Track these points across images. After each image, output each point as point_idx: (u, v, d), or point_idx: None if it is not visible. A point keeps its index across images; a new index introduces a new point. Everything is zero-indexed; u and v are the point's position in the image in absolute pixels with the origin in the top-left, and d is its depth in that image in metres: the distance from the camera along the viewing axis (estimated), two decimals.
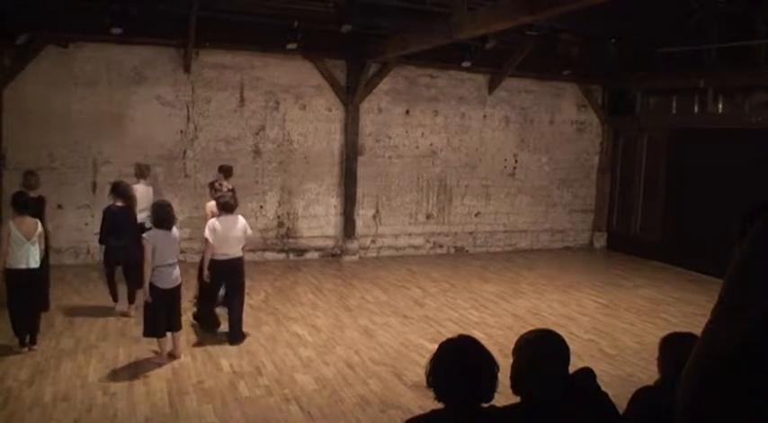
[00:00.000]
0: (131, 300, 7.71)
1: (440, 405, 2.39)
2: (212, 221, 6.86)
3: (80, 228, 10.10)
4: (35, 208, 6.78)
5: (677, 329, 3.27)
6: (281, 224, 11.37)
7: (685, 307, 9.10)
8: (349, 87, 11.36)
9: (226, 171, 9.12)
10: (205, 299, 7.27)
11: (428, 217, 12.43)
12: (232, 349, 6.75)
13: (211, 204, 7.80)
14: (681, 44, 10.91)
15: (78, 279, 9.02)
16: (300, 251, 11.52)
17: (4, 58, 9.40)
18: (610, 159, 13.66)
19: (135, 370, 6.08)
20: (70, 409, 5.20)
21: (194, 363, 6.33)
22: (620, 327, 8.14)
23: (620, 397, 2.70)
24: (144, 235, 6.32)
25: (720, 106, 11.29)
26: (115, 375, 5.93)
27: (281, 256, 11.35)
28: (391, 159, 12.01)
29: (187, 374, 6.03)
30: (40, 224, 6.40)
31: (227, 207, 6.93)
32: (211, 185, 8.30)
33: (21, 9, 8.80)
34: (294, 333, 7.40)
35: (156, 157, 10.43)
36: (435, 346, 2.50)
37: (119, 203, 7.65)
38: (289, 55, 10.77)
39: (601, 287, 10.23)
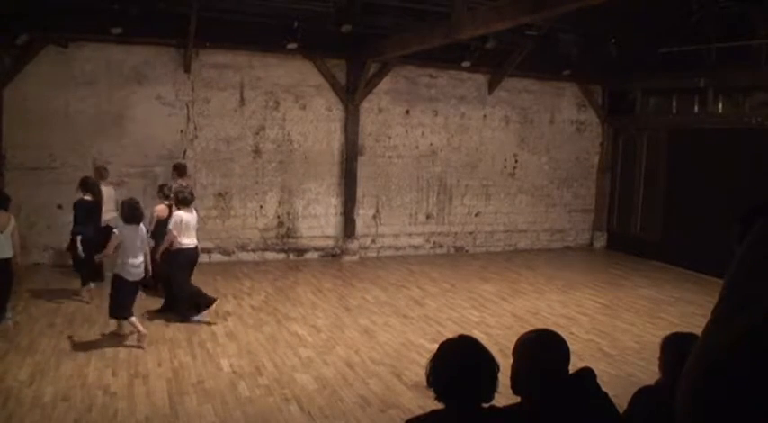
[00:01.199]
0: (85, 282, 8.27)
1: (440, 405, 2.39)
2: (178, 213, 7.47)
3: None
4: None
5: (677, 329, 3.27)
6: (281, 224, 11.37)
7: (685, 307, 9.10)
8: (349, 87, 11.35)
9: (180, 169, 9.33)
10: (183, 284, 7.58)
11: (428, 217, 12.43)
12: (232, 349, 6.75)
13: (161, 208, 8.21)
14: (681, 44, 10.91)
15: (78, 279, 9.00)
16: (300, 251, 11.52)
17: (4, 58, 9.41)
18: (610, 159, 13.66)
19: (135, 370, 6.08)
20: (70, 409, 5.20)
21: (194, 363, 6.33)
22: (620, 327, 8.14)
23: (620, 397, 2.70)
24: (114, 229, 6.81)
25: (720, 106, 11.29)
26: (115, 375, 5.93)
27: (281, 255, 11.35)
28: (391, 159, 12.01)
29: (187, 374, 6.03)
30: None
31: (185, 202, 7.56)
32: (161, 189, 8.60)
33: (21, 9, 8.80)
34: (294, 333, 7.41)
35: (156, 157, 10.44)
36: (435, 346, 2.50)
37: (88, 197, 8.08)
38: (289, 55, 10.77)
39: (601, 287, 10.23)
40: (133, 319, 6.76)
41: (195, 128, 10.66)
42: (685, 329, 3.10)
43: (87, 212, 8.06)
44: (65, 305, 7.97)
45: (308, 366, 6.37)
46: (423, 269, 10.99)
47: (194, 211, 7.75)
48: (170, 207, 8.03)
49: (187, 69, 10.38)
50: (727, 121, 10.98)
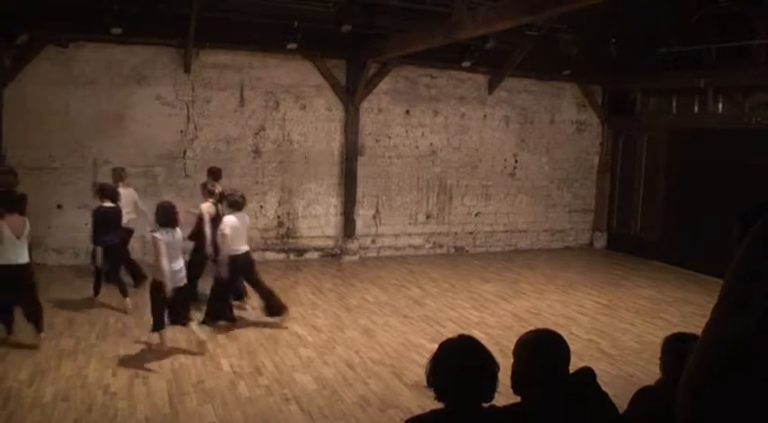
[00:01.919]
0: (126, 293, 7.92)
1: (440, 405, 2.39)
2: (229, 218, 7.17)
3: (80, 228, 10.06)
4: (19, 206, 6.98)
5: (677, 329, 3.27)
6: (280, 224, 11.37)
7: (685, 307, 9.10)
8: (349, 87, 11.35)
9: (215, 173, 9.16)
10: (223, 294, 7.41)
11: (428, 217, 12.43)
12: (232, 349, 6.75)
13: (207, 205, 7.94)
14: (681, 44, 10.91)
15: (78, 279, 9.00)
16: (300, 251, 11.52)
17: (4, 58, 9.40)
18: (610, 159, 13.66)
19: (135, 370, 6.08)
20: (70, 409, 5.20)
21: (194, 363, 6.33)
22: (620, 327, 8.14)
23: (620, 397, 2.70)
24: (155, 234, 6.33)
25: (720, 106, 11.29)
26: (115, 375, 5.92)
27: (281, 256, 11.34)
28: (391, 159, 12.01)
29: (187, 374, 6.03)
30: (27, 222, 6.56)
31: (237, 205, 7.30)
32: (204, 186, 8.39)
33: (21, 9, 8.80)
34: (294, 333, 7.40)
35: (156, 157, 10.44)
36: (435, 346, 2.50)
37: (108, 204, 7.76)
38: (289, 55, 10.77)
39: (601, 287, 10.22)
40: (192, 324, 6.64)
41: (195, 128, 10.66)
42: (685, 329, 3.10)
43: (108, 220, 7.74)
44: (65, 305, 7.96)
45: (308, 366, 6.37)
46: (423, 269, 10.98)
47: (245, 216, 7.51)
48: (216, 205, 7.89)
49: (187, 69, 10.38)
50: (727, 121, 10.98)
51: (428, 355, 2.49)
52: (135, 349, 6.61)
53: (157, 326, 6.45)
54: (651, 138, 12.73)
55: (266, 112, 11.07)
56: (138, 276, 8.61)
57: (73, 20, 9.23)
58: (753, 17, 9.97)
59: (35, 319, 6.57)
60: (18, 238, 6.30)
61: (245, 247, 7.38)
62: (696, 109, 11.73)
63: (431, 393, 2.40)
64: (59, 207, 9.83)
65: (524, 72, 12.32)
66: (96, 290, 8.02)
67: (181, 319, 6.54)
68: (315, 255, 11.61)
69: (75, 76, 9.86)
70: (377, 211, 12.01)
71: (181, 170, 10.62)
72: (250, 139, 11.00)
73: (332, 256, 11.65)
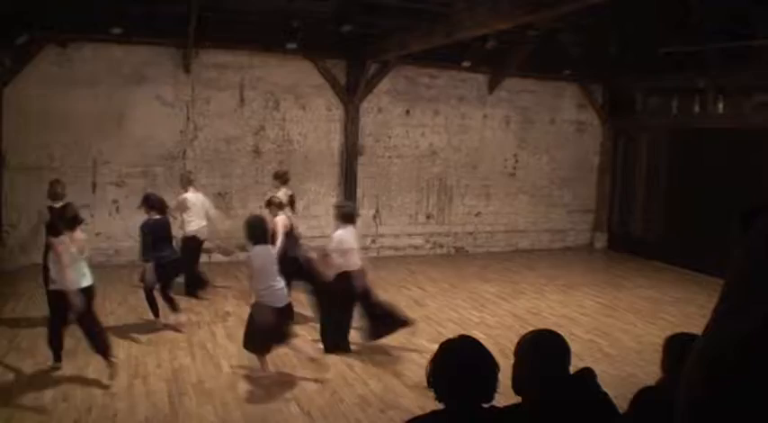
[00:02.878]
0: (177, 308, 7.40)
1: (440, 405, 2.39)
2: (340, 233, 6.65)
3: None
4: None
5: (678, 330, 3.27)
6: None
7: (685, 307, 9.09)
8: (349, 87, 11.35)
9: (282, 177, 8.85)
10: (340, 319, 6.73)
11: (428, 217, 12.43)
12: (232, 349, 6.74)
13: (281, 218, 7.56)
14: (681, 44, 10.90)
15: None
16: None
17: (4, 58, 9.39)
18: (610, 159, 13.65)
19: (135, 370, 6.08)
20: (70, 409, 5.19)
21: (194, 363, 6.33)
22: (620, 327, 8.14)
23: (620, 397, 2.70)
24: (249, 253, 5.93)
25: (720, 106, 11.28)
26: (115, 375, 5.92)
27: None
28: (391, 159, 12.01)
29: (187, 374, 6.03)
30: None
31: (349, 218, 6.81)
32: (269, 203, 7.89)
33: (20, 9, 8.80)
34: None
35: (156, 157, 10.44)
36: (435, 347, 2.49)
37: (156, 216, 7.23)
38: (289, 55, 10.77)
39: (601, 287, 10.22)
40: (296, 341, 6.08)
41: (195, 128, 10.66)
42: (686, 330, 3.09)
43: (159, 233, 7.16)
44: None
45: (309, 366, 6.36)
46: (423, 269, 10.98)
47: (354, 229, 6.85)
48: (289, 218, 7.59)
49: (187, 69, 10.38)
50: (728, 121, 10.97)
51: (428, 356, 2.49)
52: (135, 349, 6.61)
53: (254, 348, 6.02)
54: (651, 138, 12.74)
55: (266, 111, 11.07)
56: (202, 286, 8.42)
57: (73, 20, 9.23)
58: (753, 17, 9.96)
59: (102, 346, 5.87)
60: (82, 254, 5.82)
61: (358, 263, 6.71)
62: (696, 109, 11.73)
63: (431, 394, 2.40)
64: None
65: (524, 72, 12.32)
66: (155, 310, 7.29)
67: (285, 339, 5.98)
68: (315, 255, 11.59)
69: (75, 76, 9.86)
70: (377, 211, 12.01)
71: (181, 170, 10.61)
72: (250, 139, 11.00)
73: None
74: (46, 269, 6.37)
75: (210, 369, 6.20)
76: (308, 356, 6.11)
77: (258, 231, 5.97)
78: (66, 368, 6.01)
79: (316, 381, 5.95)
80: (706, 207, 10.73)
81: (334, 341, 6.69)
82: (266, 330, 5.80)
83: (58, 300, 5.66)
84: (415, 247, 12.31)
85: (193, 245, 8.49)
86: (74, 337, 6.85)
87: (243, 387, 5.80)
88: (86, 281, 5.79)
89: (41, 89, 9.64)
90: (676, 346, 2.87)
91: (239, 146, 10.94)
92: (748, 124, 10.46)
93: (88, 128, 9.98)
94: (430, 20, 8.77)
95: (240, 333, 7.20)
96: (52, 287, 5.75)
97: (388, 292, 9.45)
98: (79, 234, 5.94)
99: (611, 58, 11.71)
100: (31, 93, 9.58)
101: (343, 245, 6.58)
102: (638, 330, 7.99)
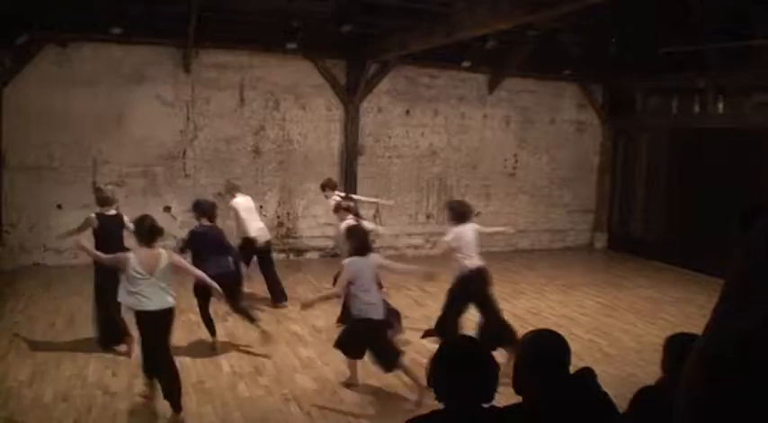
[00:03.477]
0: (254, 319, 6.91)
1: (440, 405, 2.39)
2: (458, 229, 6.52)
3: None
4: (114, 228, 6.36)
5: (678, 330, 3.27)
6: (280, 224, 11.37)
7: (685, 307, 9.09)
8: (349, 87, 11.35)
9: (331, 185, 8.85)
10: (455, 317, 6.49)
11: (428, 217, 12.43)
12: (232, 349, 6.74)
13: (350, 223, 7.24)
14: (681, 44, 10.90)
15: (79, 279, 9.00)
16: (300, 251, 11.52)
17: (4, 57, 9.40)
18: (610, 159, 13.65)
19: (135, 370, 6.07)
20: (70, 409, 5.19)
21: (194, 363, 6.33)
22: (620, 327, 8.14)
23: (620, 397, 2.70)
24: (344, 261, 5.66)
25: (720, 106, 11.28)
26: (115, 375, 5.93)
27: (281, 256, 11.31)
28: (391, 159, 12.01)
29: (187, 374, 6.02)
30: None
31: (465, 216, 6.66)
32: (338, 208, 7.66)
33: (20, 9, 8.80)
34: (294, 333, 7.40)
35: (156, 156, 10.44)
36: (435, 347, 2.50)
37: (206, 223, 6.85)
38: (289, 55, 10.76)
39: (601, 287, 10.22)
40: (404, 361, 5.67)
41: (195, 128, 10.66)
42: (686, 330, 3.09)
43: (209, 242, 6.68)
44: (65, 305, 7.96)
45: (308, 366, 6.37)
46: (423, 269, 10.94)
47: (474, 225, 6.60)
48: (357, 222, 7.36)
49: (187, 69, 10.37)
50: (728, 121, 10.97)
51: (428, 356, 2.49)
52: (135, 349, 6.59)
53: (350, 354, 5.80)
54: (651, 138, 12.73)
55: (266, 111, 11.07)
56: (278, 293, 8.34)
57: (73, 20, 9.23)
58: (753, 17, 9.95)
59: (172, 392, 5.11)
60: (151, 274, 5.07)
61: (476, 262, 6.51)
62: (696, 109, 11.73)
63: (431, 393, 2.40)
64: (59, 207, 9.82)
65: (524, 72, 12.32)
66: (212, 329, 6.78)
67: (394, 357, 5.63)
68: (315, 255, 11.61)
69: (75, 75, 9.86)
70: (377, 211, 11.99)
71: (180, 170, 10.62)
72: (250, 139, 11.00)
73: (332, 257, 11.63)
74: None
75: (210, 369, 6.20)
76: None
77: (364, 243, 5.84)
78: (66, 368, 6.01)
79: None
80: (706, 207, 10.73)
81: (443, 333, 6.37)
82: (353, 342, 5.68)
83: (144, 321, 5.13)
84: (415, 247, 12.30)
85: (254, 247, 8.24)
86: (73, 338, 6.87)
87: (243, 387, 5.80)
88: (153, 304, 5.06)
89: (41, 89, 9.64)
90: (676, 346, 2.87)
91: (239, 146, 10.93)
92: (748, 124, 10.46)
93: (88, 127, 9.98)
94: (430, 20, 8.77)
95: (240, 333, 7.24)
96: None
97: (388, 291, 9.45)
98: (150, 250, 5.17)
99: (611, 58, 11.70)
100: (31, 93, 9.58)
101: (460, 241, 6.46)
102: (638, 330, 7.99)
